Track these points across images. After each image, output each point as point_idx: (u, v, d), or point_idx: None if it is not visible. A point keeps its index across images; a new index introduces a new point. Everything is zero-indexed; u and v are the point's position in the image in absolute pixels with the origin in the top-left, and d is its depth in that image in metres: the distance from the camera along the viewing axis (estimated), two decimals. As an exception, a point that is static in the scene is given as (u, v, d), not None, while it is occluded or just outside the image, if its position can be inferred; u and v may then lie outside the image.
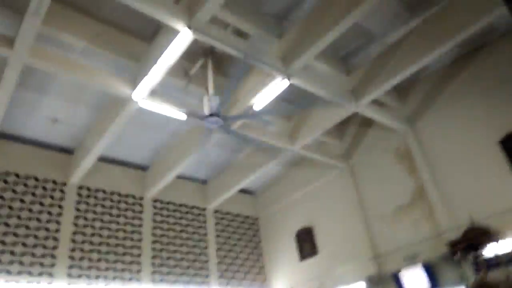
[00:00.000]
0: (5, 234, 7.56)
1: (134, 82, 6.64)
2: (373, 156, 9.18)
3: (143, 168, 9.97)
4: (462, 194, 7.33)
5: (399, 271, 7.83)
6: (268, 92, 6.98)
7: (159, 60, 6.07)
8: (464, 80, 7.80)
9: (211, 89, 6.41)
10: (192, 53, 6.61)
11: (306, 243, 10.16)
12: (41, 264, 7.74)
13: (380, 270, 8.30)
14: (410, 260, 7.73)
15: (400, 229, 8.20)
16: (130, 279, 8.70)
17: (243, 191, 11.22)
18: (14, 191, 8.00)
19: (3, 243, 7.48)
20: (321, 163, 9.81)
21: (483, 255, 6.63)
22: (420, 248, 7.69)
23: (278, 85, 6.81)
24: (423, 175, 8.03)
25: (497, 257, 6.41)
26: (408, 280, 7.64)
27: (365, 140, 9.45)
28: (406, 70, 6.95)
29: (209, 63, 6.66)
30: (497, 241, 6.43)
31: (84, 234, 8.52)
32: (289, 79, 6.65)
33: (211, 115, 5.94)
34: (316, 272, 9.64)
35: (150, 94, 6.74)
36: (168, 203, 10.22)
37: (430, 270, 7.42)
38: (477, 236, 6.64)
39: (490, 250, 6.53)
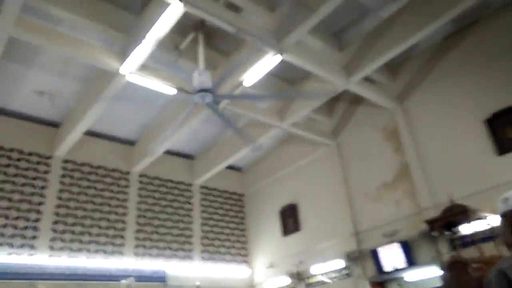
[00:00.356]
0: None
1: (122, 55, 6.47)
2: (361, 133, 9.20)
3: (130, 142, 9.85)
4: (444, 173, 7.41)
5: (377, 247, 7.98)
6: (259, 68, 6.88)
7: (149, 33, 5.90)
8: (454, 58, 7.75)
9: (201, 64, 6.32)
10: (183, 27, 6.46)
11: (290, 219, 10.30)
12: (23, 236, 7.70)
13: (359, 246, 8.45)
14: (389, 237, 7.86)
15: (382, 207, 8.32)
16: (113, 252, 8.75)
17: (230, 167, 11.22)
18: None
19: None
20: (309, 141, 9.83)
21: (459, 233, 6.83)
22: (400, 225, 7.83)
23: (270, 61, 6.71)
24: (409, 153, 8.07)
25: (473, 235, 6.60)
26: (386, 257, 7.82)
27: (354, 118, 9.44)
28: (398, 47, 6.87)
29: (200, 37, 6.54)
30: (474, 220, 6.60)
31: (68, 207, 8.47)
32: (281, 55, 6.56)
33: (201, 90, 5.86)
34: (297, 248, 9.78)
35: (139, 68, 6.61)
36: (154, 178, 10.20)
37: (407, 247, 7.58)
38: (455, 215, 6.73)
39: (467, 228, 6.71)
